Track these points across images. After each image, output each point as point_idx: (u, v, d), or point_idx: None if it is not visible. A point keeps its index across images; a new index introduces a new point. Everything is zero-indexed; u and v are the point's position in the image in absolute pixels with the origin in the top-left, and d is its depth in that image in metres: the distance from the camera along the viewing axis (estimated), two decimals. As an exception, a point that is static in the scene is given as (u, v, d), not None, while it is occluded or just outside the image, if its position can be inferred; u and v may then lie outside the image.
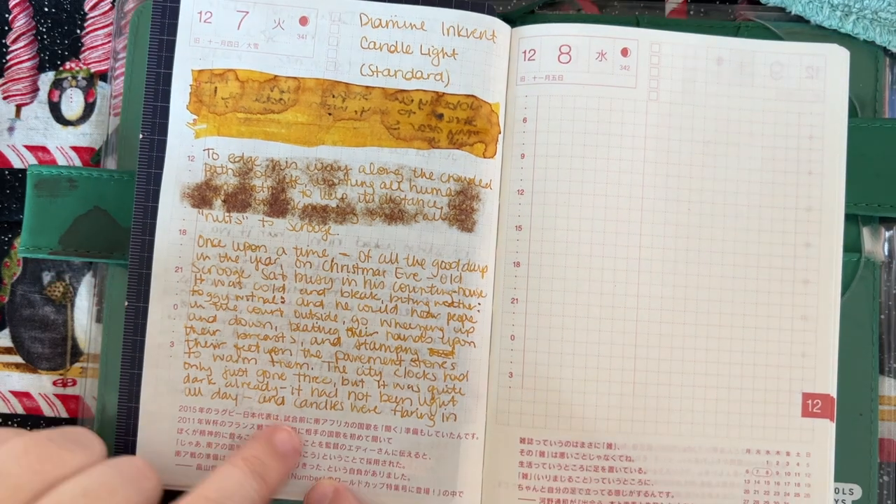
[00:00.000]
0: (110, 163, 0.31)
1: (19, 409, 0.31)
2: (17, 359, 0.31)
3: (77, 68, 0.32)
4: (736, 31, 0.30)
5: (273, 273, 0.29)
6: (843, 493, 0.29)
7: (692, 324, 0.29)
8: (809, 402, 0.29)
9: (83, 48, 0.32)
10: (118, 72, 0.31)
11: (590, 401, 0.28)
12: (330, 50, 0.29)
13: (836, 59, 0.30)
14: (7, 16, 0.32)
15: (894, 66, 0.30)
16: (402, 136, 0.29)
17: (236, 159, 0.29)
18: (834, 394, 0.29)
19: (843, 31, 0.30)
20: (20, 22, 0.32)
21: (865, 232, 0.30)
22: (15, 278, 0.32)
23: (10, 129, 0.32)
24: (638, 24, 0.30)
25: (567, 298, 0.29)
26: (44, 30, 0.32)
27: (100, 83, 0.32)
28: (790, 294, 0.29)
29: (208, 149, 0.29)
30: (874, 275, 0.29)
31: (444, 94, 0.29)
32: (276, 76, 0.29)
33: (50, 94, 0.32)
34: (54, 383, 0.31)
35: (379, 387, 0.28)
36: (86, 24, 0.32)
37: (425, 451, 0.28)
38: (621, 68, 0.29)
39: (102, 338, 0.30)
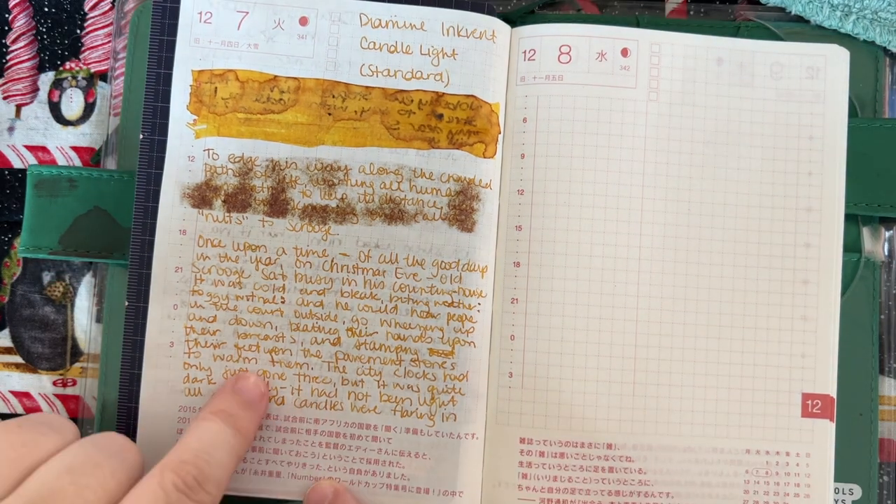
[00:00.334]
0: (110, 163, 0.31)
1: (19, 410, 0.31)
2: (17, 359, 0.31)
3: (77, 68, 0.32)
4: (736, 32, 0.30)
5: (273, 273, 0.29)
6: (843, 493, 0.29)
7: (692, 324, 0.29)
8: (809, 402, 0.29)
9: (83, 48, 0.32)
10: (118, 72, 0.31)
11: (590, 401, 0.28)
12: (330, 50, 0.29)
13: (837, 59, 0.30)
14: (7, 16, 0.32)
15: (894, 66, 0.30)
16: (401, 137, 0.29)
17: (236, 159, 0.29)
18: (834, 394, 0.29)
19: (843, 31, 0.30)
20: (20, 22, 0.32)
21: (865, 232, 0.30)
22: (15, 278, 0.32)
23: (10, 129, 0.32)
24: (638, 25, 0.30)
25: (567, 298, 0.29)
26: (44, 30, 0.32)
27: (100, 83, 0.32)
28: (790, 294, 0.29)
29: (208, 149, 0.29)
30: (874, 275, 0.29)
31: (443, 94, 0.29)
32: (276, 76, 0.29)
33: (50, 94, 0.32)
34: (54, 383, 0.31)
35: (379, 387, 0.28)
36: (86, 24, 0.32)
37: (425, 451, 0.28)
38: (621, 68, 0.29)
39: (102, 338, 0.30)
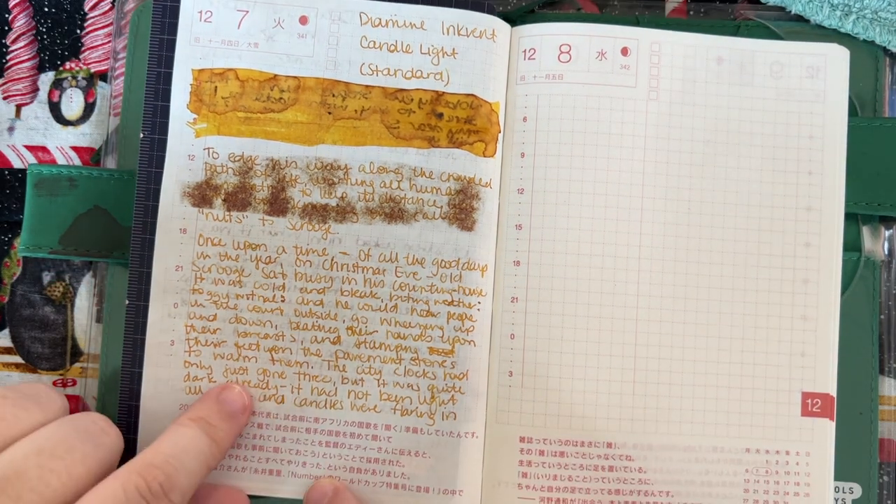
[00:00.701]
0: (110, 162, 0.31)
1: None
2: (17, 359, 0.31)
3: (77, 68, 0.32)
4: (736, 31, 0.30)
5: (273, 272, 0.29)
6: (844, 492, 0.29)
7: (692, 323, 0.29)
8: (809, 401, 0.29)
9: (83, 48, 0.32)
10: (118, 72, 0.31)
11: (590, 400, 0.28)
12: (330, 49, 0.29)
13: (837, 58, 0.30)
14: (7, 16, 0.32)
15: (894, 66, 0.30)
16: (401, 136, 0.29)
17: (236, 158, 0.29)
18: (834, 393, 0.29)
19: (842, 30, 0.30)
20: (20, 22, 0.32)
21: (865, 231, 0.30)
22: (15, 278, 0.32)
23: (10, 129, 0.32)
24: (638, 24, 0.30)
25: (567, 297, 0.29)
26: (44, 30, 0.32)
27: (100, 83, 0.32)
28: (790, 294, 0.29)
29: (208, 148, 0.29)
30: (874, 274, 0.29)
31: (443, 93, 0.29)
32: (276, 75, 0.29)
33: (50, 94, 0.32)
34: (54, 383, 0.31)
35: (379, 385, 0.28)
36: (86, 24, 0.32)
37: (425, 449, 0.28)
38: (621, 67, 0.29)
39: (102, 337, 0.30)
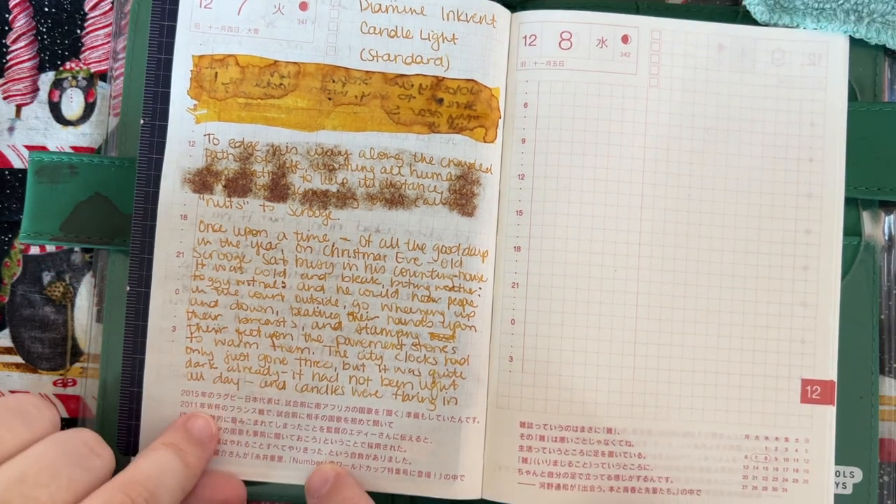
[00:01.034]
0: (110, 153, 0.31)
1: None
2: (17, 359, 0.31)
3: (77, 68, 0.32)
4: (736, 17, 0.30)
5: (274, 258, 0.29)
6: (844, 476, 0.29)
7: (692, 309, 0.29)
8: (808, 388, 0.29)
9: (83, 48, 0.32)
10: (118, 72, 0.31)
11: (590, 385, 0.29)
12: (330, 35, 0.29)
13: (837, 45, 0.30)
14: (7, 16, 0.32)
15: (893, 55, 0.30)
16: (402, 121, 0.29)
17: (237, 144, 0.29)
18: (834, 379, 0.29)
19: (857, 35, 0.29)
20: (20, 22, 0.32)
21: (865, 216, 0.30)
22: (15, 278, 0.32)
23: (11, 129, 0.32)
24: (638, 10, 0.30)
25: (567, 283, 0.29)
26: (44, 30, 0.32)
27: (100, 83, 0.32)
28: (790, 280, 0.29)
29: (209, 134, 0.29)
30: (874, 259, 0.29)
31: (444, 78, 0.29)
32: (276, 61, 0.29)
33: (50, 94, 0.32)
34: (54, 383, 0.31)
35: (380, 371, 0.28)
36: (86, 24, 0.32)
37: (426, 434, 0.28)
38: (622, 55, 0.29)
39: (104, 324, 0.30)
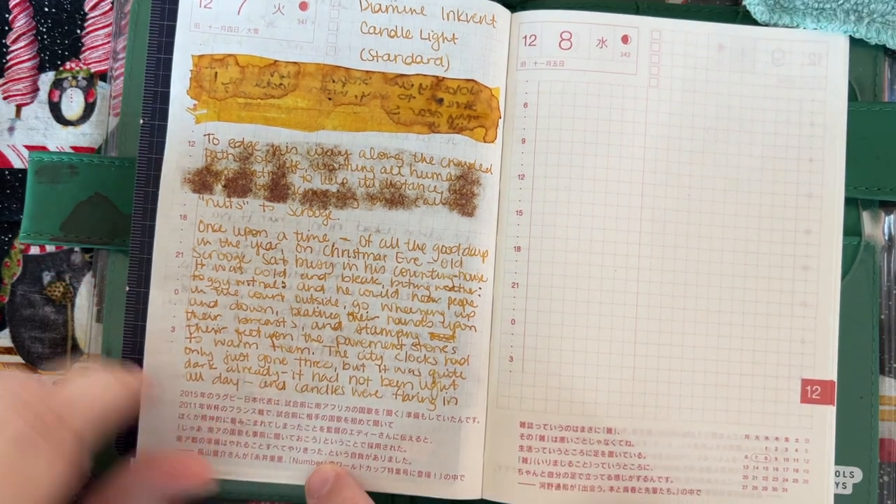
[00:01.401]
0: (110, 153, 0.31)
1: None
2: (18, 359, 0.31)
3: (77, 68, 0.32)
4: (736, 17, 0.30)
5: (274, 258, 0.29)
6: (844, 476, 0.29)
7: (692, 309, 0.29)
8: (808, 388, 0.29)
9: (83, 48, 0.32)
10: (118, 72, 0.31)
11: (590, 385, 0.29)
12: (330, 35, 0.29)
13: (837, 45, 0.30)
14: (7, 16, 0.32)
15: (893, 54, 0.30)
16: (402, 121, 0.29)
17: (237, 144, 0.29)
18: (834, 379, 0.29)
19: (857, 35, 0.29)
20: (20, 22, 0.32)
21: (865, 216, 0.30)
22: (15, 278, 0.31)
23: (11, 129, 0.32)
24: (637, 10, 0.30)
25: (567, 283, 0.29)
26: (44, 30, 0.32)
27: (100, 83, 0.32)
28: (790, 280, 0.29)
29: (209, 134, 0.29)
30: (874, 259, 0.29)
31: (444, 78, 0.29)
32: (276, 61, 0.29)
33: (50, 94, 0.32)
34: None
35: (380, 371, 0.28)
36: (86, 24, 0.32)
37: (426, 434, 0.28)
38: (622, 55, 0.29)
39: (104, 325, 0.30)
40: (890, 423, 0.29)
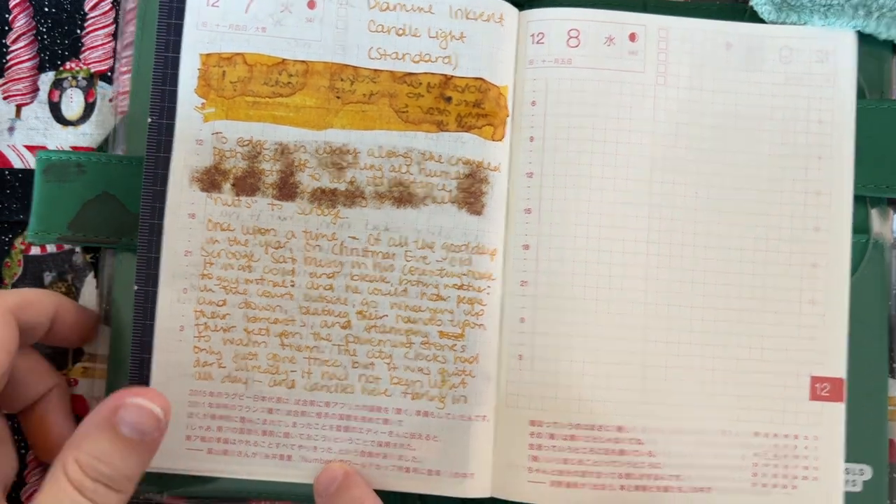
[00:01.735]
0: (116, 152, 0.31)
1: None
2: None
3: (77, 68, 0.32)
4: (743, 15, 0.30)
5: (283, 257, 0.29)
6: (855, 474, 0.29)
7: (700, 307, 0.29)
8: (818, 385, 0.29)
9: (83, 48, 0.32)
10: (122, 70, 0.31)
11: (600, 383, 0.29)
12: (338, 33, 0.29)
13: (845, 42, 0.30)
14: (7, 16, 0.32)
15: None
16: (410, 120, 0.29)
17: (245, 143, 0.29)
18: (843, 377, 0.29)
19: (866, 31, 0.29)
20: (20, 22, 0.32)
21: (874, 213, 0.30)
22: (16, 278, 0.31)
23: (11, 129, 0.32)
24: (645, 8, 0.30)
25: (576, 281, 0.29)
26: (44, 30, 0.32)
27: (100, 83, 0.32)
28: (799, 278, 0.29)
29: (217, 132, 0.29)
30: (883, 256, 0.29)
31: (452, 77, 0.29)
32: (284, 60, 0.29)
33: (50, 94, 0.32)
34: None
35: (389, 369, 0.28)
36: (86, 24, 0.32)
37: (436, 433, 0.28)
38: (629, 53, 0.29)
39: (112, 324, 0.30)
40: (899, 423, 0.29)
